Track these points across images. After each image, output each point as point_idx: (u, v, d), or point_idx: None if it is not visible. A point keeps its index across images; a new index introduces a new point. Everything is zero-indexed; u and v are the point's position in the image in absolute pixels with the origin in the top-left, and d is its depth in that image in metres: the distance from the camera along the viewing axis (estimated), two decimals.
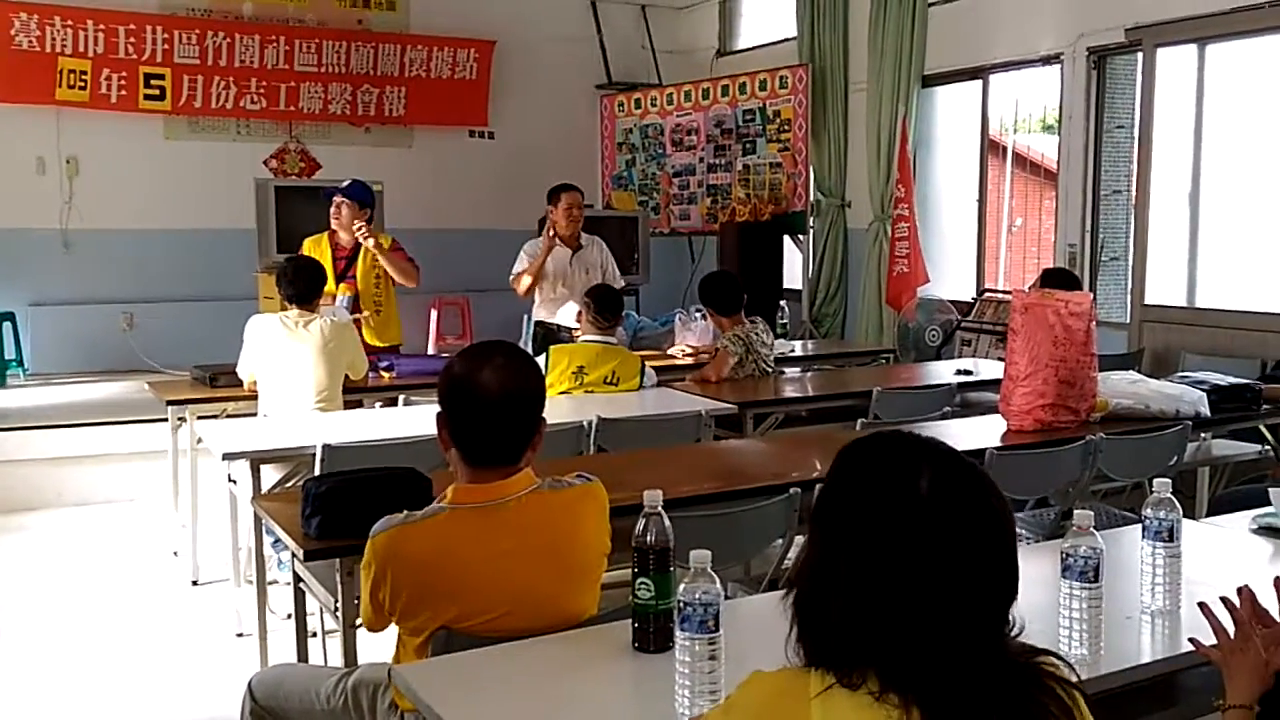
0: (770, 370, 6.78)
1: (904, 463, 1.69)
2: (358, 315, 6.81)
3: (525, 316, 8.04)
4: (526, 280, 7.54)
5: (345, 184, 7.21)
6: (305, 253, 7.11)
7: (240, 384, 6.08)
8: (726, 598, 2.29)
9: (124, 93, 10.49)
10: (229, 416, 6.09)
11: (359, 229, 7.02)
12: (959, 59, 9.75)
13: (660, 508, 2.53)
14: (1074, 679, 1.72)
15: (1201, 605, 2.41)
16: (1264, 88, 7.78)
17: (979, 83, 9.74)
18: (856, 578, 1.64)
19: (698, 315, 7.56)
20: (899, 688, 1.61)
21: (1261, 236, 7.93)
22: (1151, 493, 2.81)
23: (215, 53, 10.78)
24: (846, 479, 1.74)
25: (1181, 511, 2.80)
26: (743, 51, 12.70)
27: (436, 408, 2.83)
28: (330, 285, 6.95)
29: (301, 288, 6.02)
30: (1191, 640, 2.39)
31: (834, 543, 1.69)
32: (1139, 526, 2.87)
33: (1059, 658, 1.73)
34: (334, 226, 7.14)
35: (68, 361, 10.12)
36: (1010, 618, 1.69)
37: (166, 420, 6.37)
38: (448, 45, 11.83)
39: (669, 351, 7.63)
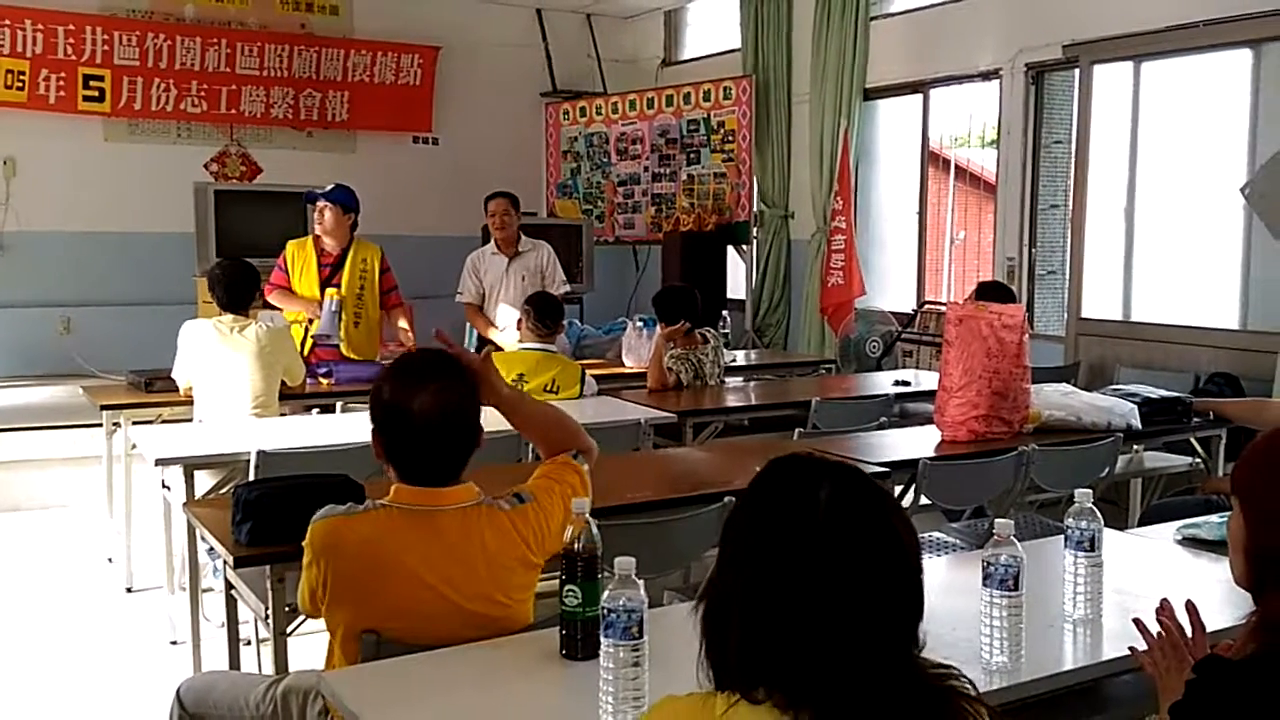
0: (718, 382, 6.81)
1: (803, 481, 1.68)
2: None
3: (467, 325, 8.04)
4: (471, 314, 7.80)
5: (329, 188, 7.12)
6: (288, 255, 7.07)
7: (177, 389, 6.02)
8: (661, 605, 2.30)
9: (63, 94, 10.36)
10: (164, 422, 6.02)
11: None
12: (900, 73, 9.83)
13: (588, 515, 2.54)
14: (980, 698, 1.70)
15: (1137, 621, 2.44)
16: (1197, 105, 7.90)
17: (920, 96, 9.82)
18: (753, 596, 1.62)
19: (641, 325, 7.57)
20: (800, 706, 1.59)
21: (1195, 251, 8.04)
22: (1074, 503, 2.84)
23: (155, 54, 10.67)
24: (749, 498, 1.74)
25: (1104, 522, 2.84)
26: (688, 62, 12.75)
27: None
28: (314, 291, 6.96)
29: (234, 294, 5.95)
30: (1131, 649, 2.44)
31: (733, 560, 1.68)
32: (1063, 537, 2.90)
33: (963, 676, 1.69)
34: (317, 231, 7.06)
35: (3, 365, 9.97)
36: (919, 636, 1.65)
37: (101, 425, 6.32)
38: (391, 50, 11.77)
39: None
